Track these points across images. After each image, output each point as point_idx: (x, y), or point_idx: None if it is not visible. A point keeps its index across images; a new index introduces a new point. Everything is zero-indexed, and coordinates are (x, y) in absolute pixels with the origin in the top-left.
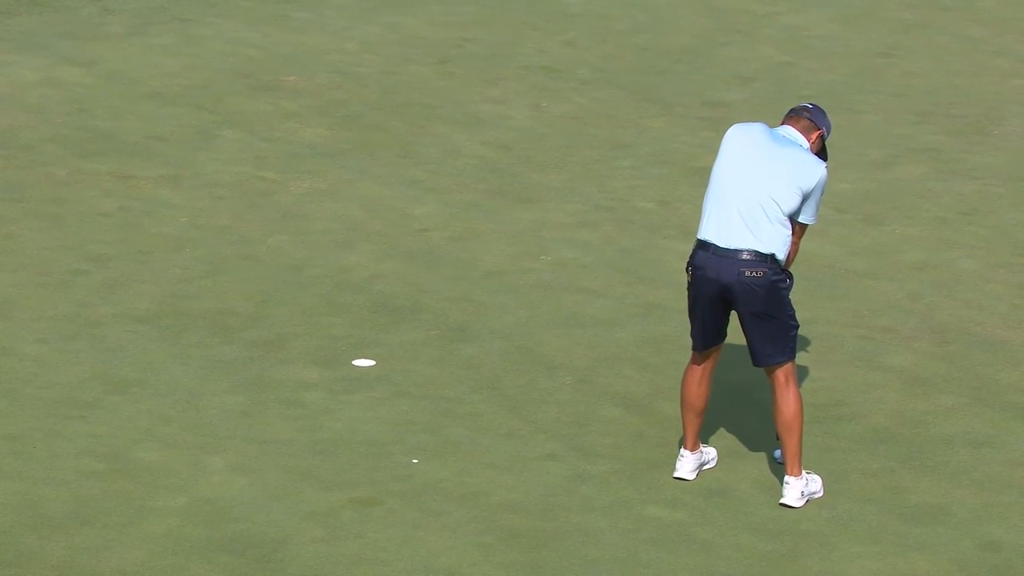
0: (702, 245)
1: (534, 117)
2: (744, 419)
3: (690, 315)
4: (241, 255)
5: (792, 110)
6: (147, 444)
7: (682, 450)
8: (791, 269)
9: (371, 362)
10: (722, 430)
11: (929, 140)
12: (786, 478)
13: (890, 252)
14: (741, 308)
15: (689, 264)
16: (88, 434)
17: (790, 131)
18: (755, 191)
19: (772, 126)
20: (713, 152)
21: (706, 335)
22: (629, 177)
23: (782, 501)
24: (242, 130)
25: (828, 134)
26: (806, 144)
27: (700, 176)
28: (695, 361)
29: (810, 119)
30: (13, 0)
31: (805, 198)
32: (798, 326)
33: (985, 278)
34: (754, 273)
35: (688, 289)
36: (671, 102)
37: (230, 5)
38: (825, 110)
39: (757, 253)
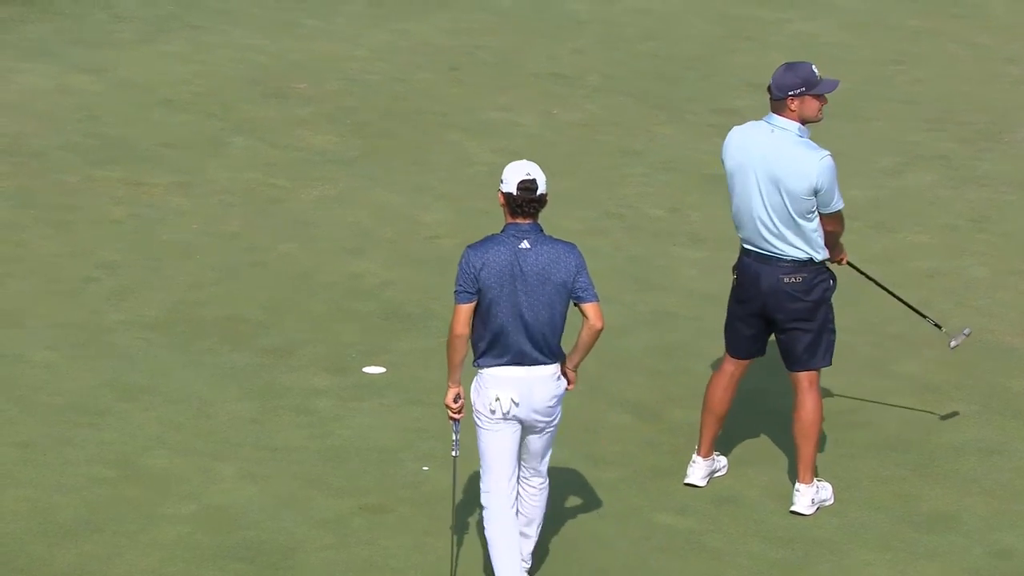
0: (744, 252)
1: (544, 124)
2: (755, 426)
3: (728, 321)
4: (251, 262)
5: (768, 92)
6: (157, 451)
7: (695, 456)
8: (837, 267)
9: (381, 369)
10: (733, 437)
11: (939, 147)
12: (797, 485)
13: (901, 259)
14: (781, 316)
15: (734, 269)
16: (98, 441)
17: (777, 120)
18: (770, 203)
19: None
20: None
21: (741, 342)
22: (639, 184)
23: (793, 508)
24: (252, 137)
25: (806, 85)
26: (795, 126)
27: (710, 183)
28: (726, 365)
29: (775, 99)
30: (24, 8)
31: (816, 192)
32: (835, 331)
33: (996, 286)
34: (793, 279)
35: (731, 293)
36: (681, 109)
37: (241, 12)
38: (788, 64)
39: (794, 260)
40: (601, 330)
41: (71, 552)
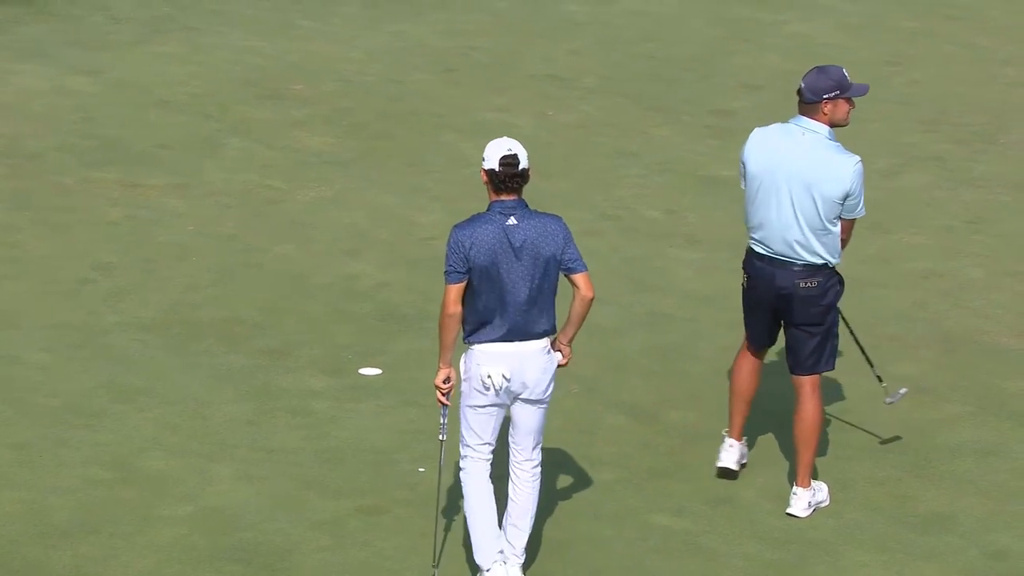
0: (757, 255)
1: (540, 125)
2: (751, 428)
3: (745, 317)
4: (247, 264)
5: (798, 95)
6: (154, 453)
7: (727, 439)
8: (842, 269)
9: (377, 370)
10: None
11: (935, 149)
12: (794, 488)
13: (896, 260)
14: (794, 318)
15: (745, 270)
16: (94, 443)
17: (807, 122)
18: (801, 209)
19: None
20: (720, 160)
21: (763, 336)
22: (635, 186)
23: (788, 511)
24: (248, 138)
25: (840, 88)
26: (826, 129)
27: (707, 185)
28: (749, 349)
29: (808, 102)
30: (20, 9)
31: (847, 197)
32: (839, 336)
33: (991, 287)
34: (809, 284)
35: (743, 294)
36: (678, 110)
37: (237, 14)
38: (819, 67)
39: (809, 265)
40: (592, 299)
41: (67, 554)
